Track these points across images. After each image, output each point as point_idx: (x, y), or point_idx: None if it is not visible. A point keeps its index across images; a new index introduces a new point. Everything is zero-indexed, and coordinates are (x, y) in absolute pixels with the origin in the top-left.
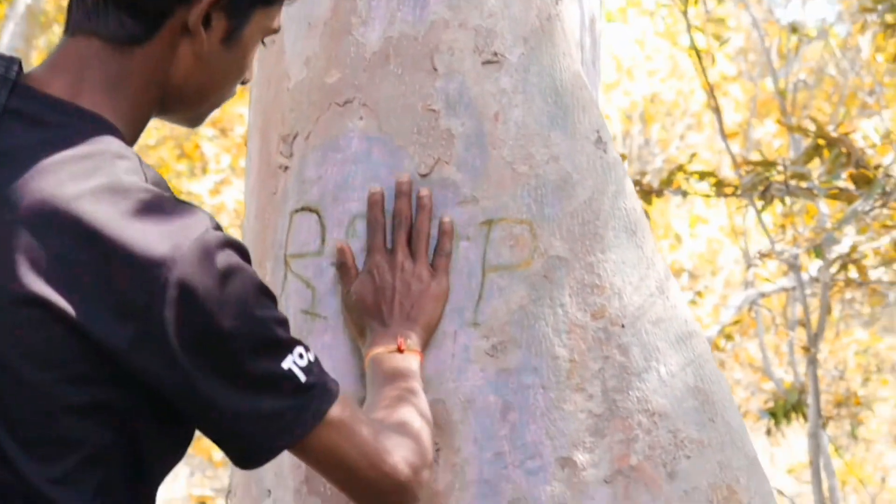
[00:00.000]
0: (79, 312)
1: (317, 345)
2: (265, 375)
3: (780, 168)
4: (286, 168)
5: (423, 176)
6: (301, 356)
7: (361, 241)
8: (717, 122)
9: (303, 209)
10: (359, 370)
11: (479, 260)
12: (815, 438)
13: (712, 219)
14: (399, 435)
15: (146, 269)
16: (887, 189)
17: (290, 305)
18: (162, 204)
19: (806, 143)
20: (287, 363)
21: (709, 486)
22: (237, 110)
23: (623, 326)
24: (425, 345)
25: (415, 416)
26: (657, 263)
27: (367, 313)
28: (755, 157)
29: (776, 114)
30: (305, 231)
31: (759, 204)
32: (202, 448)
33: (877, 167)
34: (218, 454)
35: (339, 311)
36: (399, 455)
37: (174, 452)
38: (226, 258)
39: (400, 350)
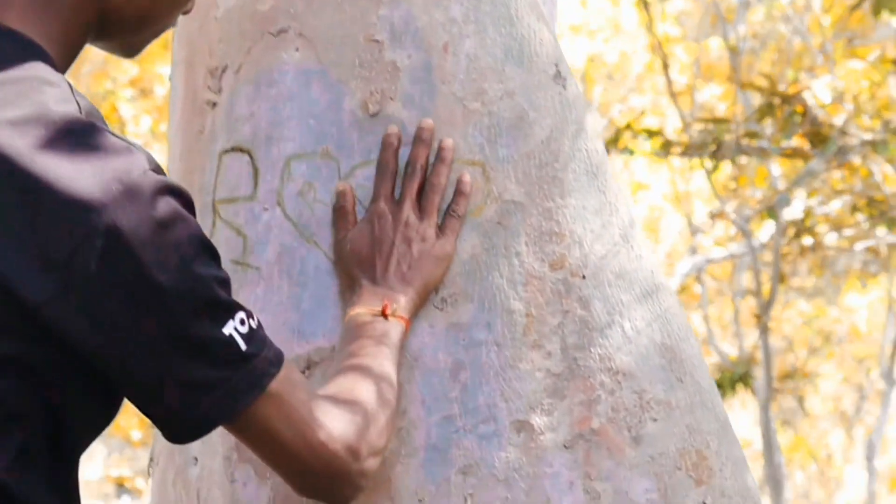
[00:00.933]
0: None
1: (249, 298)
2: (202, 341)
3: (733, 126)
4: (214, 104)
5: (373, 115)
6: (243, 322)
7: (297, 184)
8: (665, 77)
9: (233, 150)
10: (295, 325)
11: None
12: (766, 411)
13: (654, 185)
14: (347, 414)
15: (71, 213)
16: (842, 148)
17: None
18: (95, 138)
19: (756, 102)
20: (228, 328)
21: (677, 451)
22: (158, 70)
23: (584, 278)
24: (416, 311)
25: (373, 395)
26: (621, 209)
27: (359, 266)
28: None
29: (722, 77)
30: (236, 174)
31: (709, 165)
32: (119, 427)
33: (831, 126)
34: (136, 434)
35: (273, 261)
36: (339, 436)
37: (100, 418)
38: (165, 205)
39: (384, 314)
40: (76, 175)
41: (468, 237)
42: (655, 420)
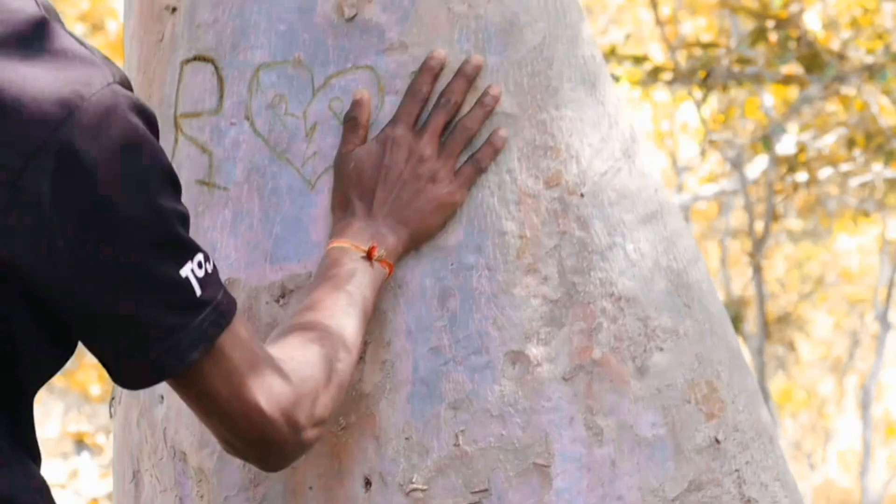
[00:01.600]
0: None
1: (215, 221)
2: (157, 280)
3: (723, 52)
4: (174, 9)
5: (349, 20)
6: (200, 265)
7: (267, 96)
8: (651, 3)
9: (196, 59)
10: (268, 249)
11: None
12: (760, 355)
13: (637, 122)
14: (292, 378)
15: (23, 126)
16: (840, 74)
17: (181, 176)
18: (54, 42)
19: (746, 28)
20: (185, 270)
21: (685, 383)
22: (110, 3)
23: (582, 196)
24: (403, 255)
25: (325, 360)
26: (621, 122)
27: (358, 188)
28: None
29: (706, 10)
30: (199, 85)
31: (698, 95)
32: (77, 382)
33: (829, 50)
34: (95, 389)
35: (242, 181)
36: (278, 402)
37: (55, 353)
38: (129, 125)
39: (370, 256)
40: (30, 82)
41: None
42: (662, 349)
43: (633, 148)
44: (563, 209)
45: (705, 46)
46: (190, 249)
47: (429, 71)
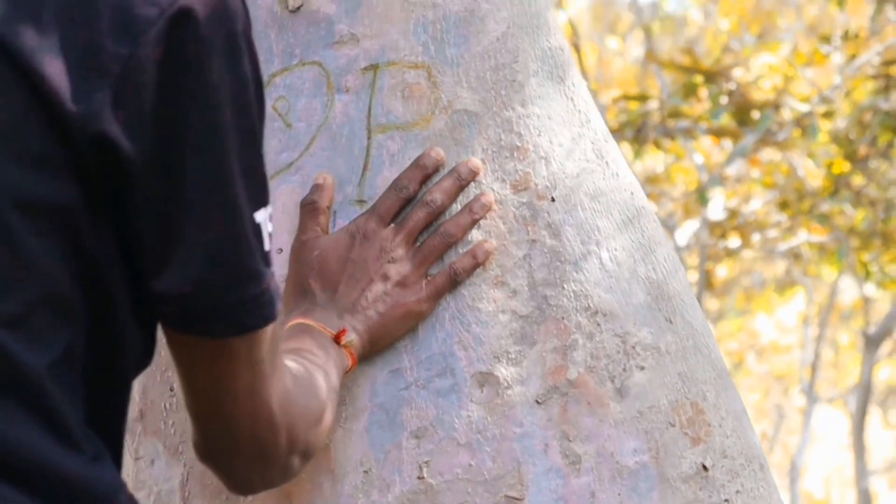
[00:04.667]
0: (35, 57)
1: None
2: (242, 208)
3: (653, 106)
4: None
5: (294, 10)
6: (270, 218)
7: None
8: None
9: None
10: None
11: (362, 118)
12: None
13: None
14: (303, 398)
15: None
16: (772, 125)
17: None
18: None
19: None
20: (261, 215)
21: (669, 405)
22: None
23: (553, 200)
24: (363, 358)
25: (325, 397)
26: (593, 120)
27: (320, 279)
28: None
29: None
30: None
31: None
32: None
33: (764, 102)
34: None
35: None
36: (286, 415)
37: (144, 337)
38: (249, 26)
39: (337, 340)
40: None
41: (413, 154)
42: (642, 368)
43: (606, 147)
44: (533, 215)
45: (636, 99)
46: (267, 193)
47: (419, 169)
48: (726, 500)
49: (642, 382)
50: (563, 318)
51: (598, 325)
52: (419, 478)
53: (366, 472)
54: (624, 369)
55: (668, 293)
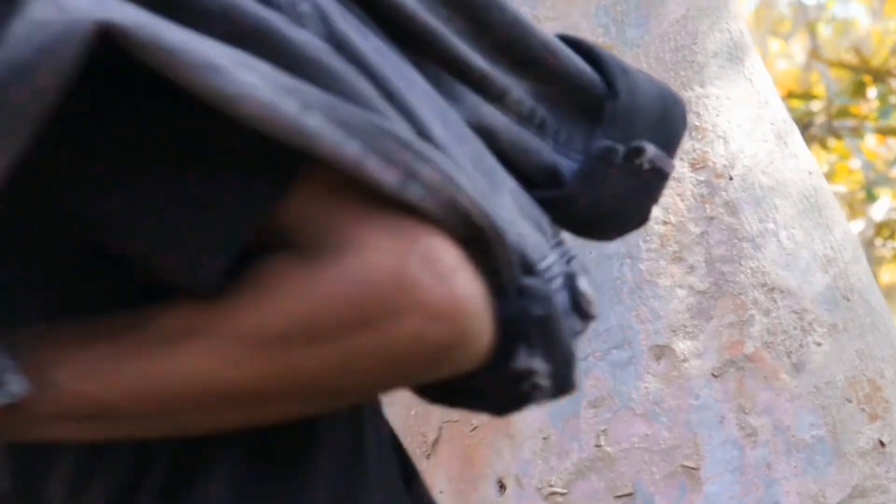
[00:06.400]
0: None
1: None
2: None
3: (822, 104)
4: None
5: None
6: None
7: None
8: None
9: None
10: None
11: None
12: None
13: None
14: None
15: None
16: None
17: None
18: None
19: (837, 81)
20: None
21: (846, 381)
22: None
23: (731, 179)
24: None
25: None
26: (772, 102)
27: None
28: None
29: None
30: None
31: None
32: None
33: None
34: None
35: None
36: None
37: None
38: None
39: None
40: None
41: None
42: (819, 344)
43: (784, 128)
44: (711, 193)
45: (801, 98)
46: None
47: None
48: None
49: (819, 358)
50: (739, 294)
51: (775, 301)
52: (596, 446)
53: (545, 438)
54: (800, 345)
55: (846, 272)
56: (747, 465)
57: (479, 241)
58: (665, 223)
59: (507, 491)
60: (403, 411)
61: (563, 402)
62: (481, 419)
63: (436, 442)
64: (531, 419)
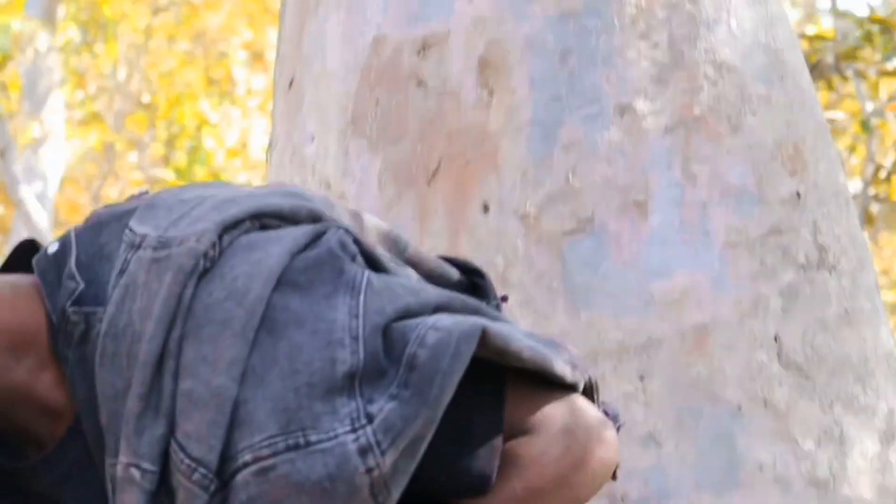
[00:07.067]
0: None
1: None
2: None
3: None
4: None
5: None
6: None
7: None
8: None
9: None
10: (414, 10)
11: None
12: None
13: None
14: None
15: None
16: None
17: None
18: None
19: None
20: None
21: (774, 143)
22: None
23: None
24: None
25: None
26: None
27: None
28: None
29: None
30: None
31: None
32: None
33: None
34: None
35: None
36: None
37: None
38: None
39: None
40: None
41: None
42: (755, 113)
43: None
44: None
45: (817, 39)
46: None
47: None
48: (814, 221)
49: (753, 124)
50: (693, 68)
51: (722, 76)
52: (565, 181)
53: (523, 172)
54: (739, 112)
55: (783, 58)
56: (687, 202)
57: (590, 389)
58: (636, 6)
59: (490, 212)
60: None
61: (541, 144)
62: (474, 155)
63: (436, 171)
64: (514, 156)
